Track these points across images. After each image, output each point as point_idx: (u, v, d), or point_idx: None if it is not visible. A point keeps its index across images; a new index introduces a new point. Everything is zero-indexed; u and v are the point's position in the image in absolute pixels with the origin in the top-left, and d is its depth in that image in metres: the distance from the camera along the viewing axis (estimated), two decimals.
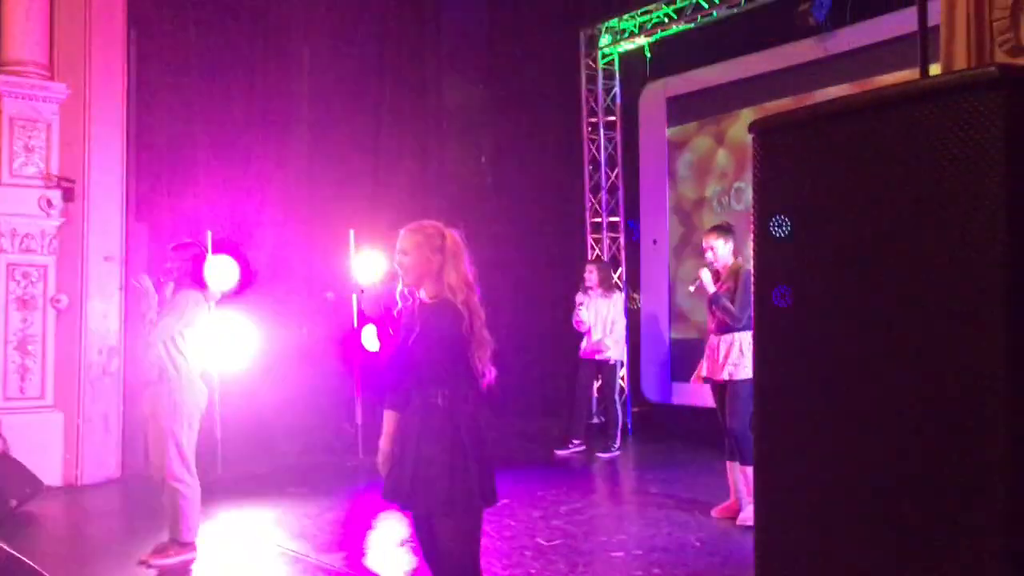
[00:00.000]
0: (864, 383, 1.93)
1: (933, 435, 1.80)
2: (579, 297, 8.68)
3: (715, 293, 5.89)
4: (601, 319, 8.63)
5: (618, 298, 8.88)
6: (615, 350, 8.70)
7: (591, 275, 8.72)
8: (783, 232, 2.12)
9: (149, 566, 4.95)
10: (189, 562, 5.05)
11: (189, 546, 5.08)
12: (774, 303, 2.18)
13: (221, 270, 7.46)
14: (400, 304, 3.51)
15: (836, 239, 1.94)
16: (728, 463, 5.97)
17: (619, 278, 10.30)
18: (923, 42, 2.43)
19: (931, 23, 2.50)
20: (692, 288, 6.29)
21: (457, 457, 3.25)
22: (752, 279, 2.28)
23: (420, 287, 3.42)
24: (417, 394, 3.35)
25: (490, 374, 3.35)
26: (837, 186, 1.97)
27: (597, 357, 8.66)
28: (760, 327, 2.23)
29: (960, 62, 2.57)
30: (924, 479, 1.81)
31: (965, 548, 1.72)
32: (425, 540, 3.44)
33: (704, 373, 6.05)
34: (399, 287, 3.51)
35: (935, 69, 2.51)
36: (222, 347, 7.49)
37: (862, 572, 1.94)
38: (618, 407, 9.01)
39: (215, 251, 7.44)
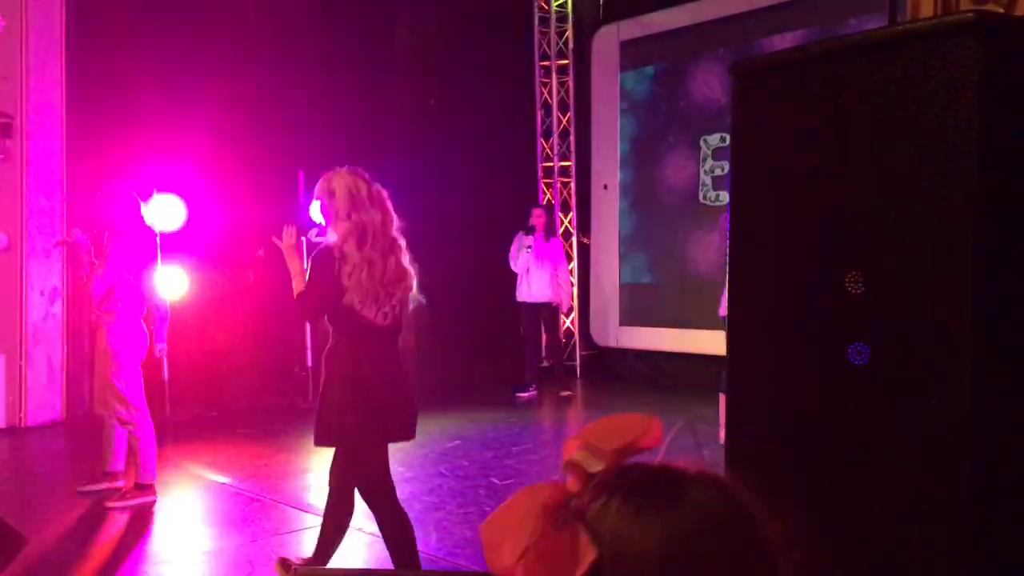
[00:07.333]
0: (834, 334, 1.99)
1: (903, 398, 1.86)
2: (522, 239, 8.57)
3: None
4: (541, 263, 8.57)
5: (557, 244, 8.86)
6: (555, 293, 8.66)
7: (539, 218, 8.70)
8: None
9: (109, 509, 4.91)
10: (149, 504, 5.02)
11: (148, 489, 5.05)
12: (746, 252, 2.22)
13: (164, 211, 7.29)
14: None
15: (813, 182, 1.98)
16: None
17: (570, 223, 10.34)
18: None
19: None
20: None
21: (349, 395, 3.31)
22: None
23: (333, 231, 3.42)
24: None
25: (382, 318, 3.34)
26: (815, 131, 1.99)
27: (535, 300, 8.62)
28: (733, 270, 2.28)
29: (927, 10, 2.61)
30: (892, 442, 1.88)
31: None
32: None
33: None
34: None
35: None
36: (167, 290, 7.35)
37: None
38: (561, 350, 9.13)
39: (158, 191, 7.26)
